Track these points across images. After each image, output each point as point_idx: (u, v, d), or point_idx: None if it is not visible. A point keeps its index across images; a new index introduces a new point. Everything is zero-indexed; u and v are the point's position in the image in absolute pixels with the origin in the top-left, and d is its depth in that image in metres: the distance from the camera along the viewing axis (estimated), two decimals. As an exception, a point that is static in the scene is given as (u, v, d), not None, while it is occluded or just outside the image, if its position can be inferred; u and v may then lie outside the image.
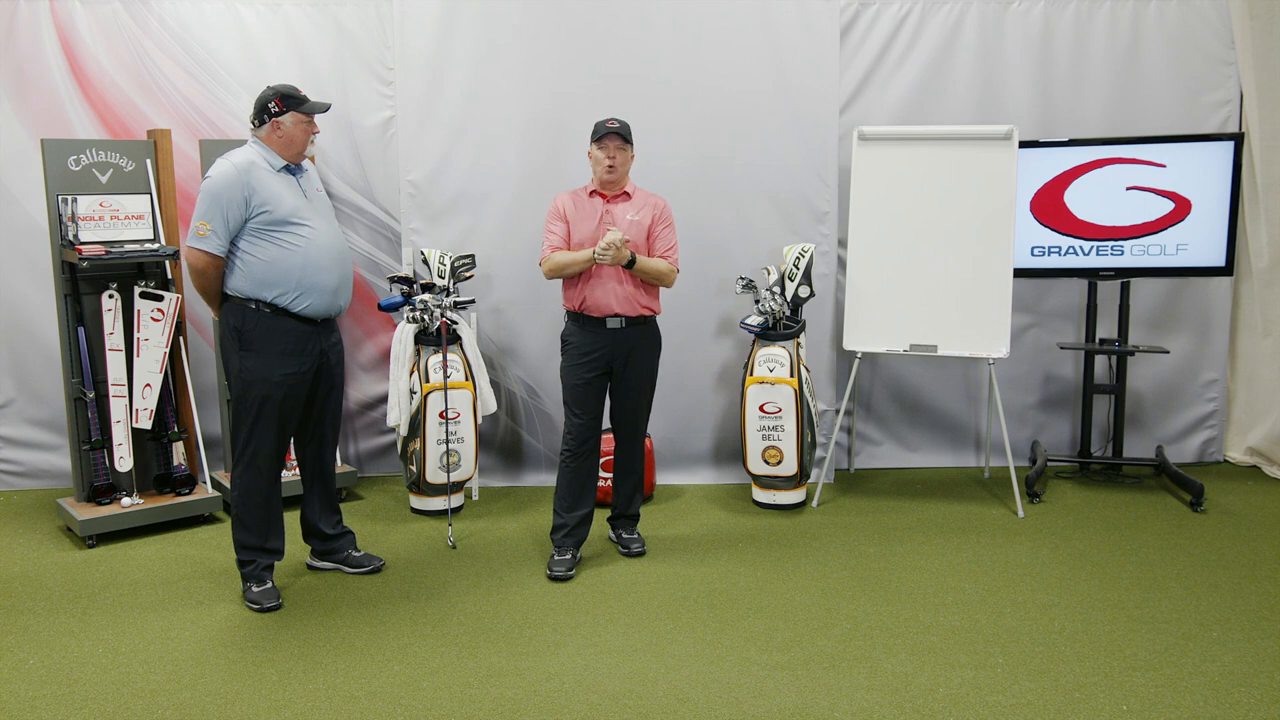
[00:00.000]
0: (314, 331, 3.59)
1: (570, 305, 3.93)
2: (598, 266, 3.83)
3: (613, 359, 3.91)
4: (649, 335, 4.00)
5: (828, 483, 5.01)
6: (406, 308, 4.51)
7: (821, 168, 4.94)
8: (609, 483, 4.27)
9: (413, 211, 4.91)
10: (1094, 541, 4.22)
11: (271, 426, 3.55)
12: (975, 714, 2.87)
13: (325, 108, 3.62)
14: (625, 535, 4.15)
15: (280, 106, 3.50)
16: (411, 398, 4.55)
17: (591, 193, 3.95)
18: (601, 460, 4.08)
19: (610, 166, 3.85)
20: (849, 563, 4.00)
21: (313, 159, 4.65)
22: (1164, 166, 4.76)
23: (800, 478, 4.64)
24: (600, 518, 4.26)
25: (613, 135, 3.83)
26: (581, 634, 3.38)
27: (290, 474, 4.53)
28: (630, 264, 3.80)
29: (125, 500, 4.38)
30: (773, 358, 4.58)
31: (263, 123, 3.52)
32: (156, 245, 4.41)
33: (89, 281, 4.37)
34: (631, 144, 3.89)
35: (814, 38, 4.87)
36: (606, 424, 4.09)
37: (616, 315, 3.86)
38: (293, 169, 3.58)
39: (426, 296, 4.53)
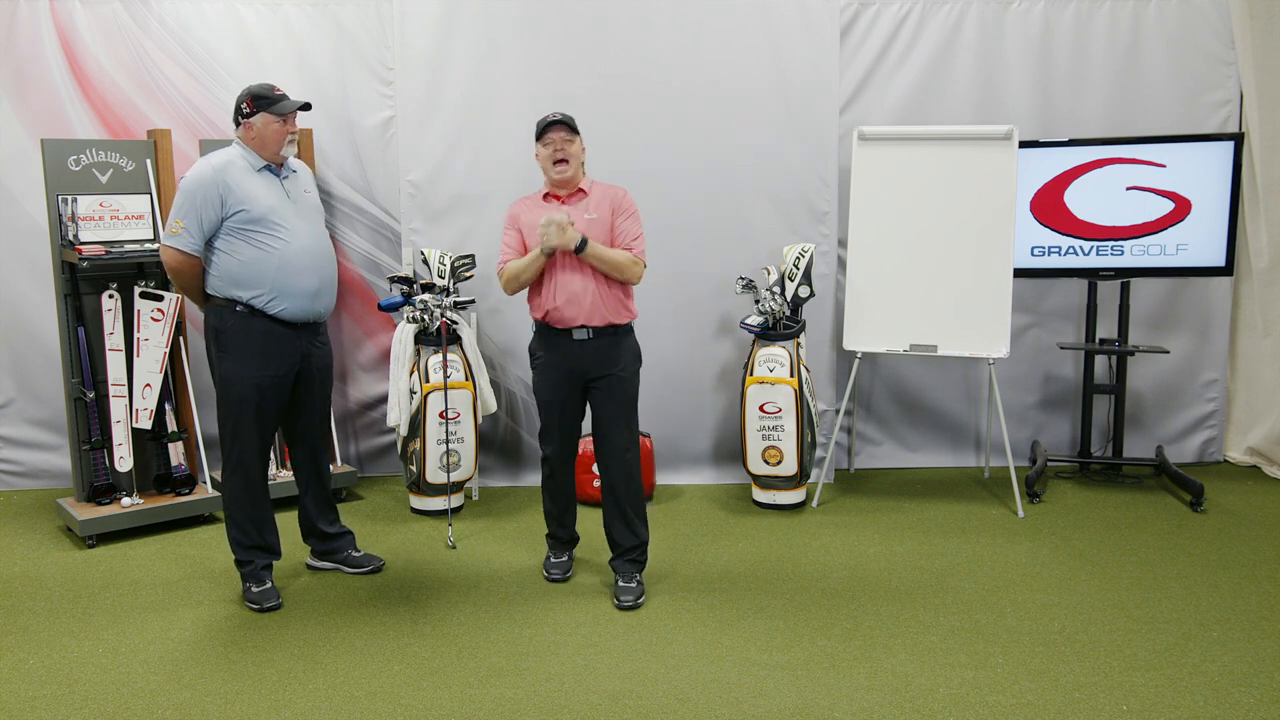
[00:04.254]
0: (293, 335, 3.56)
1: (535, 315, 3.66)
2: (558, 270, 3.54)
3: (586, 374, 3.62)
4: (624, 347, 3.65)
5: (828, 483, 5.01)
6: (406, 308, 4.51)
7: (821, 168, 4.94)
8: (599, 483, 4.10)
9: (413, 211, 4.91)
10: (1094, 541, 4.22)
11: (251, 428, 3.54)
12: (975, 714, 2.87)
13: (298, 106, 3.53)
14: (621, 582, 3.67)
15: (250, 107, 3.47)
16: (411, 398, 4.55)
17: (545, 195, 3.66)
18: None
19: (559, 162, 3.54)
20: (849, 563, 4.00)
21: (310, 157, 4.69)
22: (1164, 166, 4.75)
23: (800, 478, 4.64)
24: (600, 533, 3.94)
25: (557, 126, 3.51)
26: (581, 634, 3.38)
27: (287, 474, 4.53)
28: (581, 248, 3.47)
29: (125, 500, 4.38)
30: (773, 358, 4.58)
31: (238, 123, 3.52)
32: (156, 245, 4.41)
33: (89, 281, 4.37)
34: (578, 133, 3.57)
35: (814, 38, 4.86)
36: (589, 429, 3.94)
37: (583, 327, 3.57)
38: (275, 170, 3.55)
39: (426, 296, 4.53)
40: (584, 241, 3.49)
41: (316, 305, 3.59)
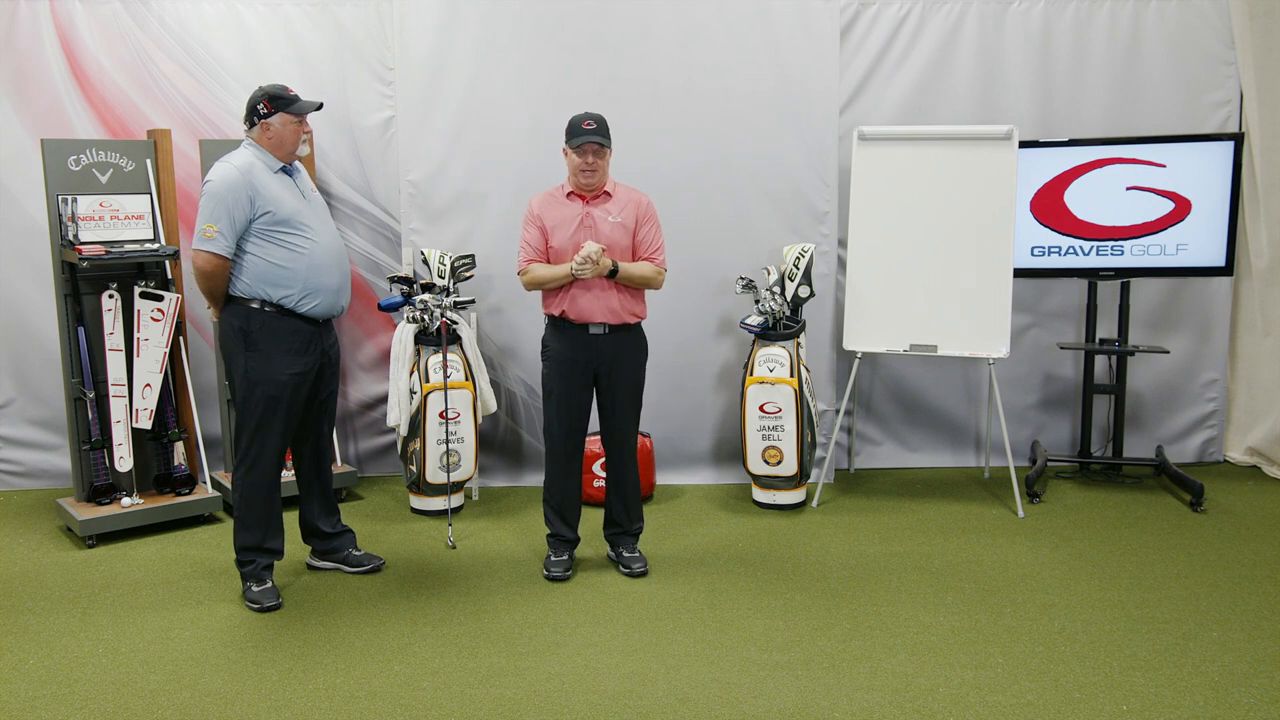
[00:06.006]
0: (316, 331, 3.61)
1: (550, 311, 3.78)
2: (579, 279, 3.67)
3: (598, 366, 3.77)
4: (635, 341, 3.84)
5: (828, 483, 5.01)
6: (406, 308, 4.51)
7: (821, 168, 4.94)
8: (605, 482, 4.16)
9: (413, 211, 4.91)
10: (1094, 541, 4.22)
11: (277, 426, 3.56)
12: (975, 714, 2.87)
13: (314, 107, 3.58)
14: (626, 554, 3.93)
15: (268, 108, 3.48)
16: (411, 398, 4.55)
17: (569, 193, 3.76)
18: (599, 461, 4.04)
19: (588, 172, 3.66)
20: (849, 563, 4.00)
21: (310, 159, 4.69)
22: (1164, 166, 4.75)
23: (800, 478, 4.64)
24: (599, 534, 4.11)
25: (590, 144, 3.61)
26: (581, 634, 3.38)
27: (288, 474, 4.53)
28: (613, 274, 3.66)
29: (125, 500, 4.38)
30: (773, 358, 4.58)
31: (253, 124, 3.52)
32: (156, 245, 4.41)
33: (89, 281, 4.37)
34: (610, 142, 3.68)
35: (814, 38, 4.87)
36: (594, 427, 4.01)
37: (601, 323, 3.71)
38: (289, 170, 3.58)
39: (426, 296, 4.53)
40: (615, 268, 3.65)
41: (340, 300, 3.65)
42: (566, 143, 3.71)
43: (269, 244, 3.46)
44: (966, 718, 2.85)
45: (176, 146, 4.64)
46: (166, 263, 4.48)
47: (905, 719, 2.85)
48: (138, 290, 4.37)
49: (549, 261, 3.76)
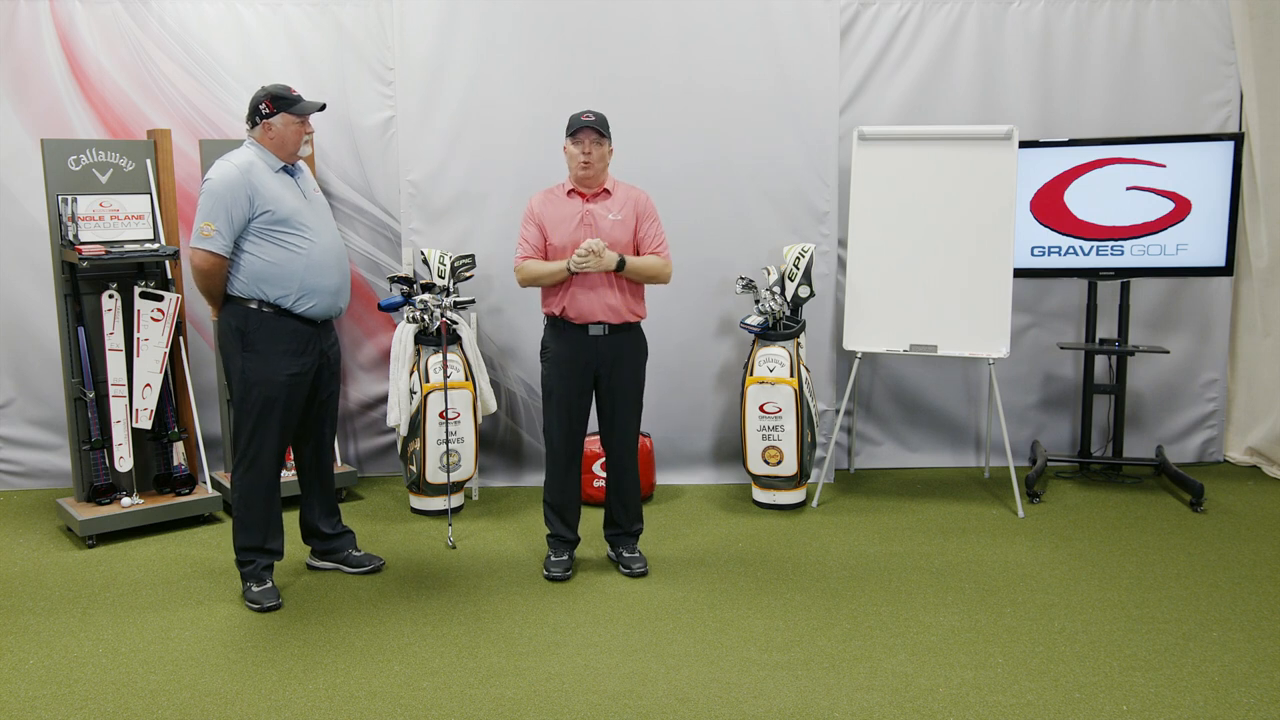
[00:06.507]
0: (315, 332, 3.60)
1: (550, 310, 3.76)
2: (578, 275, 3.64)
3: (598, 367, 3.75)
4: (634, 342, 3.81)
5: (828, 483, 5.01)
6: (406, 308, 4.51)
7: (821, 168, 4.94)
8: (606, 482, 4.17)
9: (413, 211, 4.91)
10: (1094, 541, 4.22)
11: (274, 426, 3.55)
12: (975, 714, 2.87)
13: (317, 107, 3.58)
14: (626, 554, 3.92)
15: (270, 108, 3.48)
16: (411, 398, 4.55)
17: (569, 191, 3.75)
18: (599, 461, 4.04)
19: (585, 163, 3.64)
20: (849, 563, 4.00)
21: (311, 159, 4.69)
22: (1164, 166, 4.76)
23: (800, 478, 4.64)
24: (599, 534, 4.12)
25: (588, 130, 3.61)
26: (581, 634, 3.38)
27: (289, 474, 4.53)
28: (620, 266, 3.65)
29: (125, 500, 4.38)
30: (773, 358, 4.58)
31: (255, 124, 3.52)
32: (156, 245, 4.41)
33: (89, 281, 4.37)
34: (609, 136, 3.69)
35: (814, 38, 4.87)
36: (594, 427, 4.01)
37: (600, 323, 3.69)
38: (290, 170, 3.58)
39: (426, 296, 4.53)
40: (621, 261, 3.63)
41: (339, 302, 3.65)
42: (566, 136, 3.71)
43: (266, 243, 3.46)
44: (966, 718, 2.85)
45: (176, 146, 4.64)
46: (166, 263, 4.48)
47: (905, 719, 2.85)
48: (138, 290, 4.37)
49: (547, 259, 3.75)
